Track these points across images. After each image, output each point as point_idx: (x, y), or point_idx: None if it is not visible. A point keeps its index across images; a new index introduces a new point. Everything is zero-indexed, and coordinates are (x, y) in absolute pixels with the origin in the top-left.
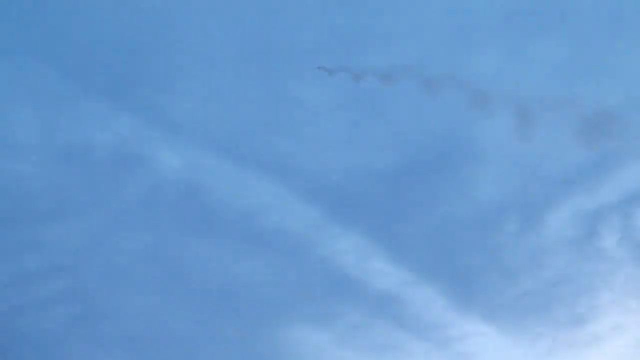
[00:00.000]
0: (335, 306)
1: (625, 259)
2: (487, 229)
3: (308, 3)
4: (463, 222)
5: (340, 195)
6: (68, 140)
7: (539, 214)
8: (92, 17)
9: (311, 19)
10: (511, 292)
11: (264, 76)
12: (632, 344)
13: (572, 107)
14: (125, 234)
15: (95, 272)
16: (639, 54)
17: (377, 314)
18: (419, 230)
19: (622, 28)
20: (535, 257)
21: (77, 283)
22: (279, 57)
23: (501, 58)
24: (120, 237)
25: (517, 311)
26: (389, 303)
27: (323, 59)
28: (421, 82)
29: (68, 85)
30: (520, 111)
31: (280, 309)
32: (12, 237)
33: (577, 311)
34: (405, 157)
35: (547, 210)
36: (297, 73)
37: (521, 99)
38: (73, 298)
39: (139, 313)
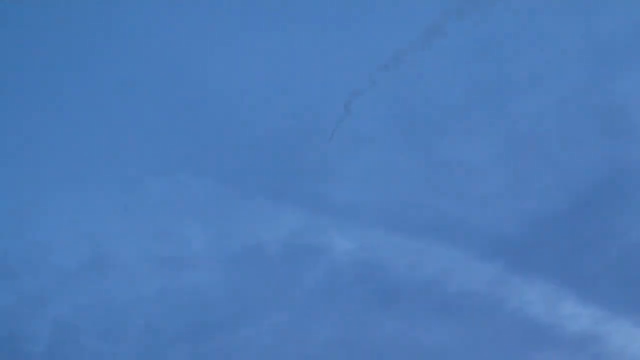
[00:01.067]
0: (534, 357)
1: None
2: None
3: (442, 60)
4: None
5: (517, 245)
6: (239, 244)
7: None
8: (241, 121)
9: (451, 75)
10: None
11: (415, 143)
12: None
13: None
14: (312, 324)
15: None
16: None
17: (577, 356)
18: (602, 265)
19: None
20: None
21: None
22: (424, 121)
23: None
24: (308, 328)
25: None
26: (587, 344)
27: (472, 114)
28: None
29: (229, 191)
30: None
31: None
32: (204, 346)
33: None
34: (573, 194)
35: None
36: (446, 133)
37: None
38: None
39: None
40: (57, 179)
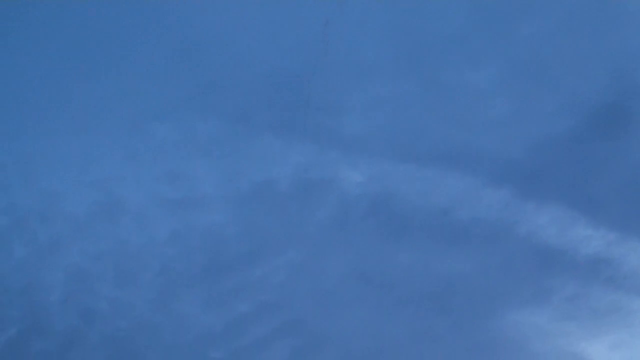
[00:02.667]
0: (546, 282)
1: None
2: None
3: None
4: None
5: (526, 170)
6: (249, 182)
7: None
8: (244, 59)
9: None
10: None
11: (419, 71)
12: None
13: None
14: (325, 258)
15: (305, 302)
16: None
17: (590, 280)
18: (613, 187)
19: None
20: None
21: (290, 316)
22: (427, 49)
23: None
24: (321, 262)
25: None
26: (600, 267)
27: (475, 39)
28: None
29: (235, 129)
30: None
31: (492, 298)
32: (219, 286)
33: None
34: (581, 116)
35: None
36: (450, 59)
37: None
38: (290, 331)
39: (355, 331)
40: (62, 126)
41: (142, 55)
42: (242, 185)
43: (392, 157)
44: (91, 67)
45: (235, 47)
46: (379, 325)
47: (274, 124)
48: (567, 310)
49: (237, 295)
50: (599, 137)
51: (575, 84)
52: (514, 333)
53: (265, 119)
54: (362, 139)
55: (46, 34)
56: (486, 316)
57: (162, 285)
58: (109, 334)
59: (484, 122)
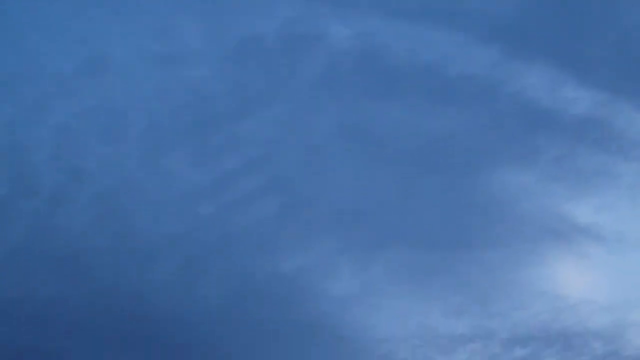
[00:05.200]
0: (533, 142)
1: None
2: None
3: None
4: None
5: (517, 28)
6: (236, 36)
7: None
8: None
9: None
10: None
11: None
12: None
13: None
14: (313, 114)
15: (293, 158)
16: None
17: (578, 141)
18: (604, 48)
19: None
20: None
21: (278, 172)
22: None
23: None
24: (309, 118)
25: None
26: (588, 128)
27: None
28: None
29: None
30: None
31: (480, 156)
32: (206, 143)
33: None
34: None
35: None
36: None
37: None
38: (278, 187)
39: (342, 188)
40: None
41: None
42: (230, 40)
43: (381, 12)
44: None
45: None
46: (368, 182)
47: None
48: (554, 170)
49: (224, 151)
50: None
51: None
52: (500, 192)
53: None
54: None
55: None
56: (473, 175)
57: (149, 142)
58: (96, 192)
59: None
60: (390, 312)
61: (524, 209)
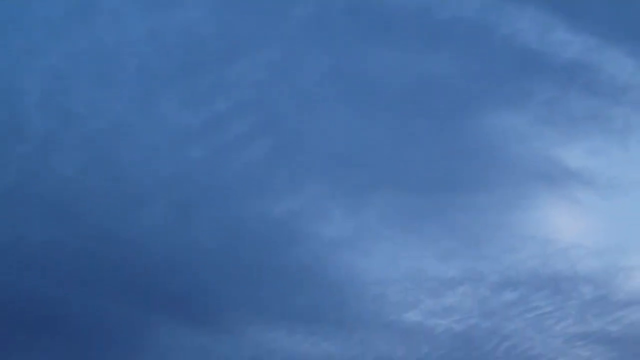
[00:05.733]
0: (525, 85)
1: None
2: None
3: None
4: None
5: None
6: None
7: None
8: None
9: None
10: None
11: None
12: None
13: None
14: (303, 57)
15: (284, 101)
16: None
17: (568, 85)
18: None
19: None
20: None
21: (269, 115)
22: None
23: None
24: (300, 61)
25: None
26: (578, 72)
27: None
28: None
29: None
30: None
31: (470, 99)
32: (197, 85)
33: None
34: None
35: None
36: None
37: None
38: (269, 130)
39: (334, 131)
40: None
41: None
42: None
43: None
44: None
45: None
46: (359, 126)
47: None
48: (545, 114)
49: (215, 94)
50: None
51: None
52: (491, 136)
53: None
54: None
55: None
56: (465, 118)
57: (139, 85)
58: (87, 136)
59: None
60: (381, 256)
61: (515, 153)
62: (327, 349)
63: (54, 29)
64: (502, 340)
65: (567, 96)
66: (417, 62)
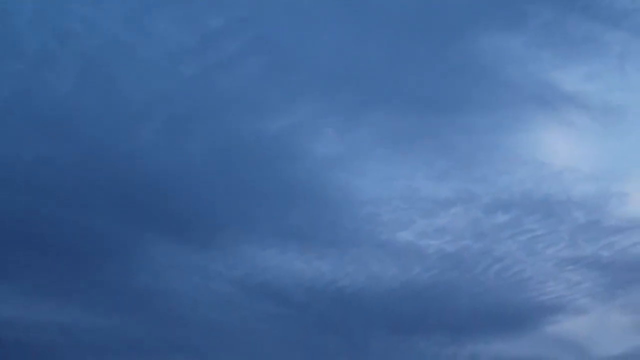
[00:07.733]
0: (522, 7)
1: None
2: None
3: None
4: None
5: None
6: None
7: None
8: None
9: None
10: None
11: None
12: None
13: None
14: None
15: (279, 19)
16: None
17: (566, 8)
18: None
19: None
20: None
21: (263, 32)
22: None
23: None
24: None
25: None
26: None
27: None
28: None
29: None
30: None
31: (467, 20)
32: (190, 2)
33: None
34: None
35: None
36: None
37: None
38: (263, 47)
39: (328, 49)
40: None
41: None
42: None
43: None
44: None
45: None
46: (354, 45)
47: None
48: (542, 36)
49: (209, 11)
50: None
51: None
52: (487, 57)
53: None
54: None
55: None
56: (461, 38)
57: (133, 2)
58: (81, 53)
59: None
60: (374, 175)
61: (511, 74)
62: (320, 267)
63: None
64: (493, 262)
65: (565, 19)
66: None
